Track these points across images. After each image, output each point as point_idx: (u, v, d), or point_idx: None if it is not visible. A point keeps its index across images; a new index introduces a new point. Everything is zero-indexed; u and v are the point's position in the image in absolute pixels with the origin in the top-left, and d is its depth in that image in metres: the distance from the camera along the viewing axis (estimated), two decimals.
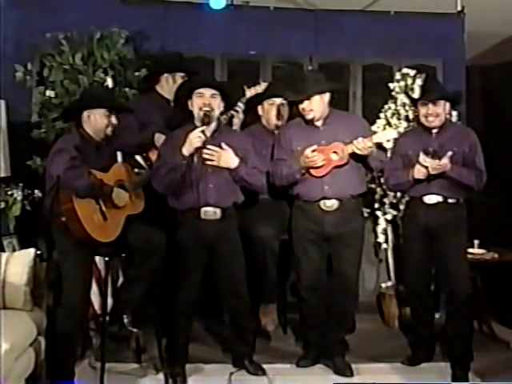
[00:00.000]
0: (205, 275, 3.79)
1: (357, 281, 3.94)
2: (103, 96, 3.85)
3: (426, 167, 3.76)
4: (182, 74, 4.25)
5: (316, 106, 3.77)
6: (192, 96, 3.68)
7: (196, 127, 3.61)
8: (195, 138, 3.54)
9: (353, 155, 3.74)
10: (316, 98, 3.76)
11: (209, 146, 3.60)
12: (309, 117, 3.79)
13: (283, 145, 3.91)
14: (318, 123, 3.83)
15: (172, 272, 3.77)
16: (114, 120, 3.65)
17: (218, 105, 3.68)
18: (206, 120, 3.60)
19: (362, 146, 3.66)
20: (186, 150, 3.56)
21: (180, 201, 3.67)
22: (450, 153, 3.73)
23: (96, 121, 3.60)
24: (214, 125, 3.71)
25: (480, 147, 3.88)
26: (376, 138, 3.68)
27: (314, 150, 3.72)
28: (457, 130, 4.00)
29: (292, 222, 3.97)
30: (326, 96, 3.82)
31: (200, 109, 3.64)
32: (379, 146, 3.83)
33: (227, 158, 3.63)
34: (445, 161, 3.73)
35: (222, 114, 3.82)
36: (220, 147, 3.63)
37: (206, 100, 3.64)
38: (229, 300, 3.83)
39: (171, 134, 3.84)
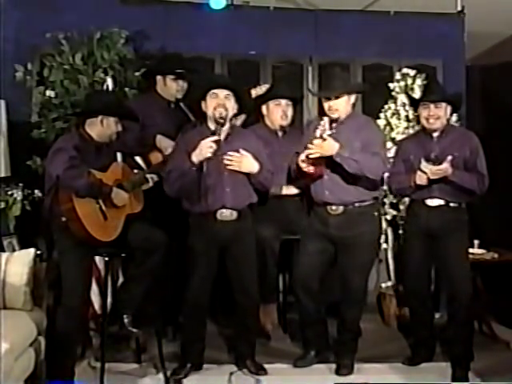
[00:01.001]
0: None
1: (363, 287, 3.89)
2: (121, 104, 3.89)
3: (427, 173, 3.76)
4: (172, 77, 4.26)
5: (340, 105, 3.74)
6: (206, 97, 3.67)
7: (209, 130, 3.62)
8: (206, 148, 3.52)
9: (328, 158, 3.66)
10: (343, 97, 3.74)
11: (230, 153, 3.60)
12: (333, 116, 3.76)
13: (304, 140, 3.87)
14: (334, 124, 3.77)
15: (183, 273, 3.77)
16: (119, 127, 3.68)
17: (231, 106, 3.67)
18: (221, 122, 3.61)
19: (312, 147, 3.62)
20: (196, 158, 3.55)
21: (195, 205, 3.66)
22: (449, 157, 3.72)
23: (108, 126, 3.63)
24: (227, 126, 3.70)
25: (482, 150, 3.86)
26: (319, 133, 3.62)
27: (304, 160, 3.69)
28: (458, 133, 3.97)
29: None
30: (352, 97, 3.80)
31: (214, 109, 3.63)
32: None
33: (248, 163, 3.64)
34: (445, 165, 3.72)
35: (235, 115, 3.80)
36: (237, 151, 3.63)
37: (220, 100, 3.63)
38: (239, 299, 3.82)
39: (184, 136, 3.83)
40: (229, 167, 3.62)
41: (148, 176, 3.85)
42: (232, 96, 3.66)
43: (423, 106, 3.87)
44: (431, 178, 3.75)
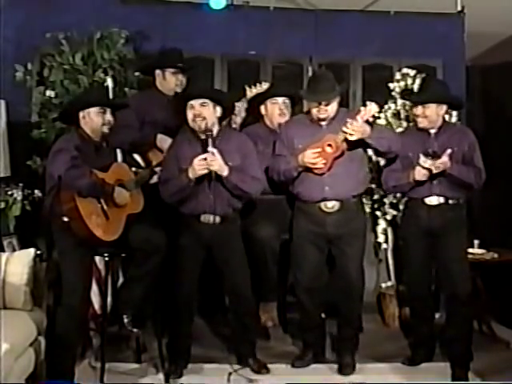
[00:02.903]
0: (205, 275, 3.83)
1: (362, 279, 3.92)
2: (94, 94, 3.86)
3: (427, 168, 3.76)
4: (171, 70, 4.26)
5: (331, 106, 3.77)
6: (185, 109, 3.74)
7: (197, 138, 3.70)
8: (199, 167, 3.60)
9: (352, 143, 3.70)
10: (334, 101, 3.77)
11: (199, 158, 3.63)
12: (322, 116, 3.77)
13: (284, 140, 3.91)
14: (323, 122, 3.81)
15: (172, 271, 3.80)
16: (108, 117, 3.64)
17: (210, 113, 3.71)
18: (209, 134, 3.67)
19: (350, 128, 3.63)
20: (192, 175, 3.63)
21: (183, 207, 3.77)
22: (449, 150, 3.74)
23: (92, 120, 3.61)
24: (215, 131, 3.76)
25: (478, 146, 3.90)
26: (360, 118, 3.64)
27: (314, 153, 3.71)
28: (455, 130, 4.00)
29: (293, 223, 3.97)
30: (338, 98, 3.82)
31: (192, 120, 3.70)
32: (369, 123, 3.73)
33: (217, 164, 3.65)
34: (444, 158, 3.73)
35: (221, 118, 3.83)
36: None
37: (196, 111, 3.69)
38: (232, 300, 3.88)
39: (175, 141, 3.88)
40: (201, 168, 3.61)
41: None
42: (210, 103, 3.70)
43: (413, 105, 3.94)
44: (434, 172, 3.75)
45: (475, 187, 3.86)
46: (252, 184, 3.77)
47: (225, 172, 3.67)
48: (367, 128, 3.68)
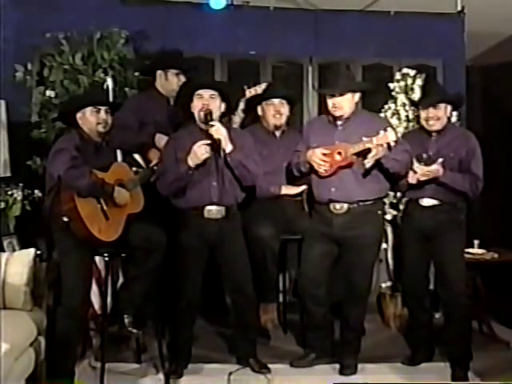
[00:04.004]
0: (206, 275, 3.81)
1: (368, 286, 3.90)
2: (88, 94, 3.90)
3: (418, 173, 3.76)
4: (174, 71, 4.25)
5: (345, 103, 3.71)
6: (192, 98, 3.71)
7: (200, 129, 3.65)
8: (201, 151, 3.57)
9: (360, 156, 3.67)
10: (347, 95, 3.71)
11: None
12: (336, 113, 3.74)
13: (304, 138, 3.93)
14: (339, 122, 3.77)
15: (174, 271, 3.79)
16: (103, 116, 3.62)
17: (217, 106, 3.69)
18: (209, 118, 3.62)
19: (361, 147, 3.60)
20: (192, 162, 3.60)
21: (183, 200, 3.72)
22: (440, 159, 3.72)
23: (87, 120, 3.61)
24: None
25: (479, 152, 3.84)
26: (376, 140, 3.56)
27: (324, 154, 3.69)
28: (457, 133, 3.94)
29: None
30: (357, 96, 3.77)
31: (200, 110, 3.67)
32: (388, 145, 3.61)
33: (223, 133, 3.60)
34: (435, 167, 3.71)
35: (223, 114, 3.81)
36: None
37: (205, 101, 3.66)
38: (234, 298, 3.86)
39: (174, 135, 3.87)
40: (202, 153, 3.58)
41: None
42: (218, 96, 3.69)
43: (423, 107, 3.86)
44: (421, 179, 3.75)
45: (470, 195, 3.81)
46: (254, 165, 3.73)
47: (228, 146, 3.62)
48: (384, 149, 3.59)
